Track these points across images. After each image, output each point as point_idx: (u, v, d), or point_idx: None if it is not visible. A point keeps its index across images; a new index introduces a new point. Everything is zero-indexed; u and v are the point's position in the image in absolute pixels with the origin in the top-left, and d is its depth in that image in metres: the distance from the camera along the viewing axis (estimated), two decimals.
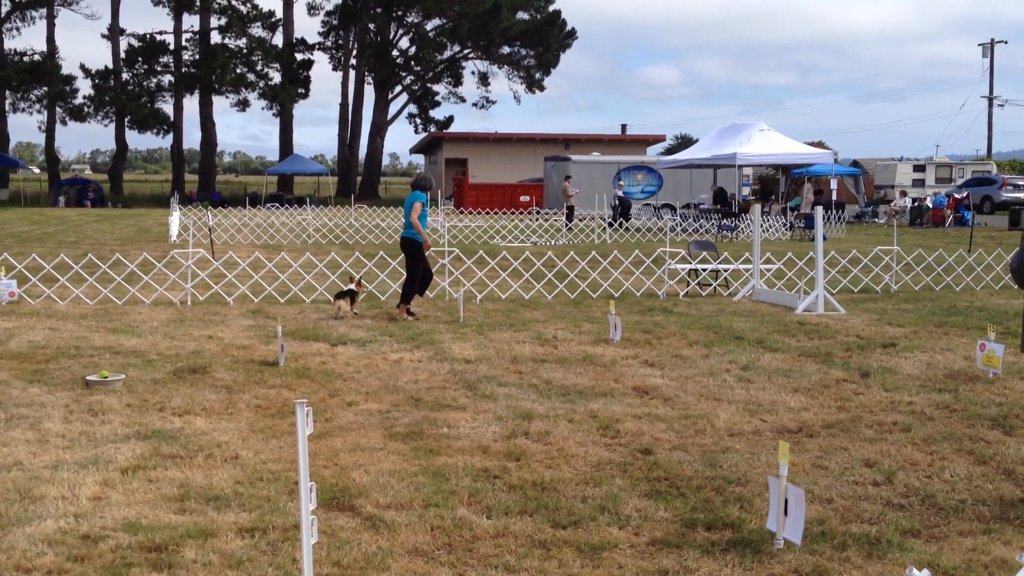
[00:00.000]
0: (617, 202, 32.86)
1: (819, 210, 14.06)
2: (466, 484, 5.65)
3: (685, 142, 74.92)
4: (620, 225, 29.56)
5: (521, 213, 37.38)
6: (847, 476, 5.86)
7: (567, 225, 31.11)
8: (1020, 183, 47.28)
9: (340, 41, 65.65)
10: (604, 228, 29.36)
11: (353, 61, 64.88)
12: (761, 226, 29.37)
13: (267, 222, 29.54)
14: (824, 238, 27.26)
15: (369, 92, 64.76)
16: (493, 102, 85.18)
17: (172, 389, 8.10)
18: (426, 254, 12.50)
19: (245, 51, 59.23)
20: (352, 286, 12.55)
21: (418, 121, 67.02)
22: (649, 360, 9.59)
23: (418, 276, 12.39)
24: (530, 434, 6.78)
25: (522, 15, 61.98)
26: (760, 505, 5.23)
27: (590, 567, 4.51)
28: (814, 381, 8.61)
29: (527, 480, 5.74)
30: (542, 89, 64.66)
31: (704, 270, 15.68)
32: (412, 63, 65.27)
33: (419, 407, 7.57)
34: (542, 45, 61.40)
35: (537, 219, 33.10)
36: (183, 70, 58.58)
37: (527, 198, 46.02)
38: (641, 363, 9.47)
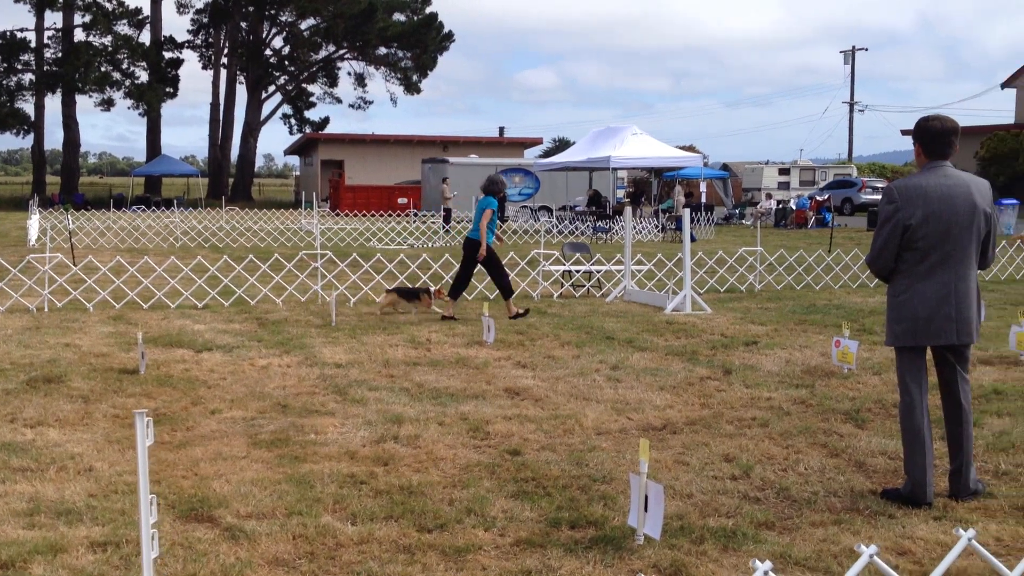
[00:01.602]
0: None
1: (686, 213, 14.40)
2: (331, 491, 5.57)
3: (562, 145, 75.80)
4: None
5: (399, 215, 37.18)
6: (707, 471, 6.02)
7: (445, 227, 31.10)
8: (878, 186, 49.46)
9: (210, 40, 64.06)
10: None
11: (224, 60, 63.42)
12: (634, 228, 30.00)
13: (132, 225, 28.63)
14: (693, 239, 28.03)
15: (241, 92, 63.48)
16: (370, 103, 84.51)
17: (25, 399, 7.75)
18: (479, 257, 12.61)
19: (110, 49, 57.14)
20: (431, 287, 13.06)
21: (293, 122, 66.00)
22: (521, 361, 9.65)
23: (470, 277, 12.89)
24: (399, 438, 6.74)
25: (399, 16, 61.67)
26: (624, 502, 5.32)
27: (454, 570, 4.50)
28: (679, 379, 8.81)
29: (394, 485, 5.70)
30: (419, 91, 64.49)
31: (578, 271, 15.88)
32: (286, 63, 64.21)
33: (286, 413, 7.44)
34: (419, 47, 61.21)
35: (415, 221, 33.00)
36: (45, 68, 56.17)
37: (404, 200, 45.84)
38: (514, 364, 9.52)
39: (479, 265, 12.71)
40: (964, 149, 54.48)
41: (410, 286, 13.65)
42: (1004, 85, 54.70)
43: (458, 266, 13.10)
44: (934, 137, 5.50)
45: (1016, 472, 5.99)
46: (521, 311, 12.76)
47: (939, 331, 5.42)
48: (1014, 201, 33.76)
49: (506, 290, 12.85)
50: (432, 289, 13.04)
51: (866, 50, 74.39)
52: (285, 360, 9.57)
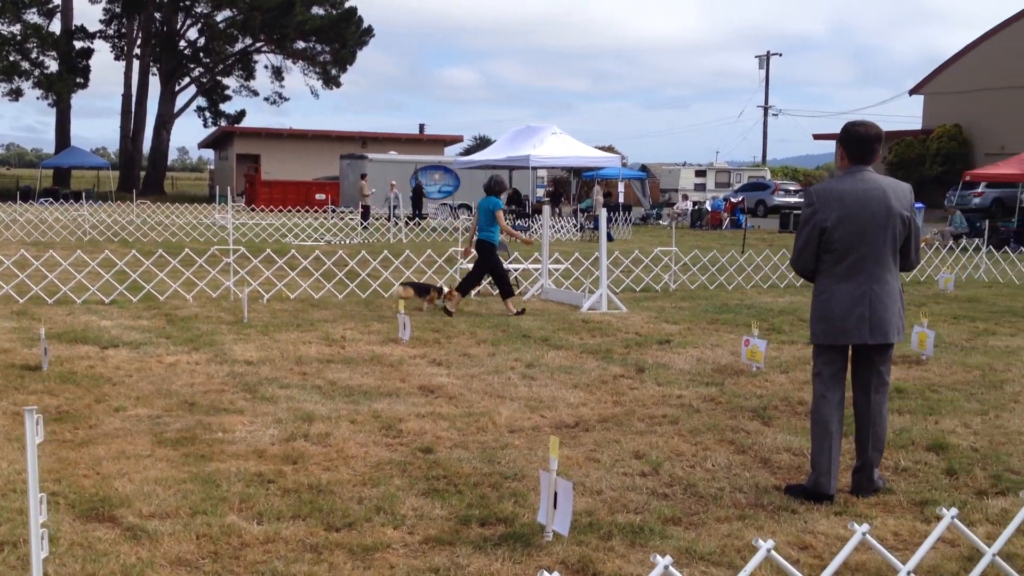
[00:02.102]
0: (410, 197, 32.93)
1: (603, 212, 14.51)
2: (238, 490, 5.48)
3: (483, 143, 75.93)
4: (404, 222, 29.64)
5: (316, 211, 36.78)
6: (617, 468, 6.07)
7: (363, 224, 30.86)
8: (791, 188, 50.59)
9: (123, 30, 62.52)
10: (400, 228, 29.28)
11: (137, 51, 61.93)
12: (552, 227, 30.15)
13: (39, 218, 27.78)
14: (611, 239, 28.32)
15: (155, 84, 62.08)
16: (287, 98, 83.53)
17: None
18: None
19: (19, 38, 55.40)
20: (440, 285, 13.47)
21: (207, 115, 64.81)
22: (437, 359, 9.62)
23: (483, 276, 13.17)
24: (310, 436, 6.66)
25: (317, 10, 60.96)
26: (534, 499, 5.33)
27: (361, 569, 4.46)
28: (593, 377, 8.88)
29: (303, 483, 5.62)
30: (339, 85, 63.90)
31: None
32: (201, 55, 63.02)
33: (193, 411, 7.29)
34: (338, 41, 60.65)
35: (332, 217, 32.67)
36: None
37: (323, 196, 45.38)
38: (429, 362, 9.49)
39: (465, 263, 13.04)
40: None
41: (419, 282, 14.16)
42: (912, 92, 56.30)
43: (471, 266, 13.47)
44: (857, 142, 5.61)
45: (915, 468, 6.16)
46: (517, 310, 12.97)
47: (853, 331, 5.54)
48: (920, 205, 34.81)
49: (506, 292, 13.06)
50: (445, 290, 13.21)
51: (780, 55, 76.03)
52: (194, 357, 9.38)
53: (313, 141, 60.38)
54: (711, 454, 6.44)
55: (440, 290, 13.24)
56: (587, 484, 5.71)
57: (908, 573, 2.95)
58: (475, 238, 13.24)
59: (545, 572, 2.50)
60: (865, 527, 2.90)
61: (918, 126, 55.52)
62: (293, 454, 6.22)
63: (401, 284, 13.66)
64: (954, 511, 3.07)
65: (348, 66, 63.20)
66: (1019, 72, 48.74)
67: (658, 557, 2.72)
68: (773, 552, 2.82)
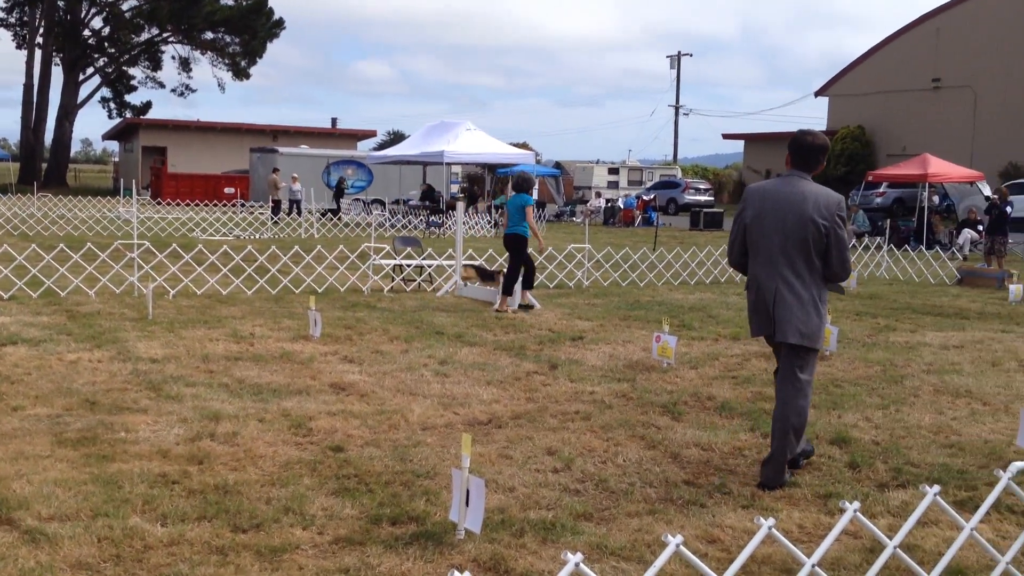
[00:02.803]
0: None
1: None
2: (141, 491, 5.33)
3: (397, 138, 75.37)
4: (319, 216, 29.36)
5: (225, 205, 36.10)
6: (530, 464, 6.07)
7: (273, 219, 30.40)
8: (701, 187, 51.40)
9: (25, 18, 60.45)
10: (312, 223, 28.91)
11: (40, 40, 59.93)
12: (466, 223, 30.11)
13: None
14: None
15: (58, 73, 60.17)
16: (195, 90, 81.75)
17: None
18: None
19: None
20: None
21: (112, 105, 63.12)
22: (348, 356, 9.51)
23: (520, 271, 13.36)
24: (216, 436, 6.51)
25: (226, 0, 59.81)
26: (446, 497, 5.30)
27: (269, 570, 4.38)
28: (507, 374, 8.87)
29: (209, 484, 5.50)
30: (248, 77, 62.79)
31: (409, 266, 15.81)
32: (106, 44, 61.32)
33: (95, 411, 7.07)
34: (248, 32, 59.58)
35: (241, 212, 32.10)
36: None
37: (232, 190, 44.55)
38: (340, 359, 9.37)
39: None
40: (779, 154, 57.30)
41: (488, 267, 14.64)
42: (818, 93, 57.73)
43: (506, 264, 13.70)
44: (799, 149, 5.82)
45: (819, 462, 6.30)
46: (525, 309, 13.27)
47: (765, 324, 5.77)
48: None
49: (508, 287, 13.28)
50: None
51: (691, 55, 77.23)
52: (96, 355, 9.10)
53: (222, 134, 59.26)
54: (622, 450, 6.49)
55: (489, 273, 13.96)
56: (500, 481, 5.71)
57: (812, 566, 3.00)
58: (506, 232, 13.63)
59: (456, 571, 2.47)
60: (771, 521, 2.94)
61: (823, 127, 56.94)
62: (199, 454, 6.08)
63: (464, 264, 13.98)
64: (856, 504, 3.14)
65: (258, 58, 62.18)
66: (919, 75, 50.37)
67: (568, 554, 2.72)
68: (682, 547, 2.84)
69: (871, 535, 3.63)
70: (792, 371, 5.79)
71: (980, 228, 21.72)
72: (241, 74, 62.55)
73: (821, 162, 5.82)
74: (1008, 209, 20.38)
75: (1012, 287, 15.45)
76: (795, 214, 5.61)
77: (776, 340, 5.74)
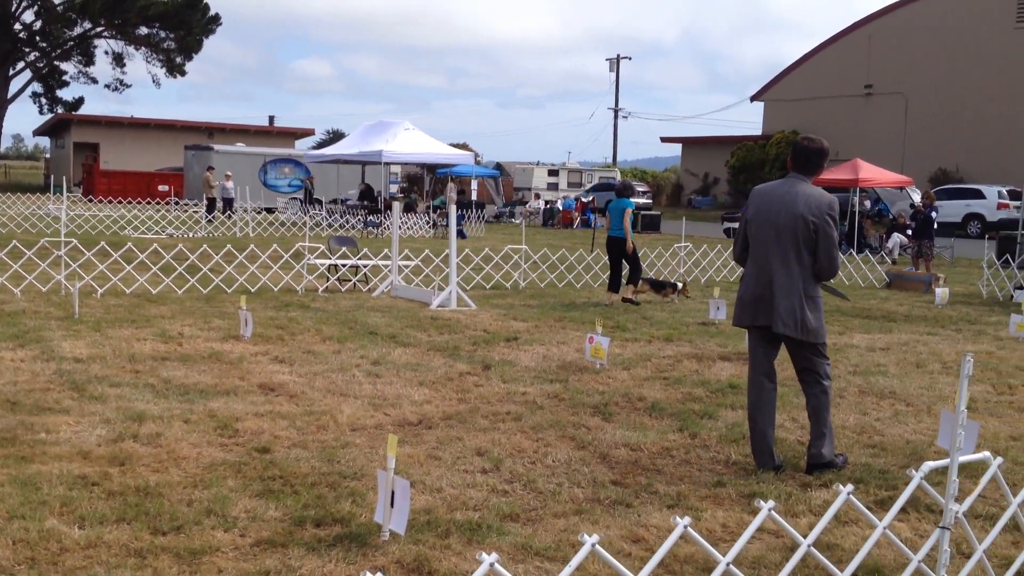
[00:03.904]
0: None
1: (452, 209, 14.51)
2: (59, 493, 5.20)
3: (336, 137, 74.74)
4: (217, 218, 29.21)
5: (159, 203, 35.53)
6: (459, 465, 6.05)
7: (208, 217, 29.97)
8: (639, 189, 51.78)
9: None
10: (247, 222, 28.56)
11: None
12: (404, 224, 29.99)
13: None
14: (463, 237, 28.37)
15: None
16: (129, 86, 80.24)
17: None
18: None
19: None
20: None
21: (43, 101, 61.64)
22: (279, 356, 9.40)
23: (639, 263, 14.86)
24: (139, 437, 6.39)
25: None
26: (373, 499, 5.25)
27: (188, 573, 4.30)
28: (439, 375, 8.84)
29: (129, 486, 5.39)
30: (183, 73, 61.80)
31: (344, 266, 15.69)
32: (37, 38, 59.86)
33: (15, 411, 6.90)
34: (183, 28, 58.63)
35: (175, 210, 31.60)
36: None
37: (166, 188, 43.84)
38: (271, 359, 9.26)
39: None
40: (717, 158, 58.11)
41: (658, 280, 15.76)
42: (754, 98, 58.59)
43: (609, 264, 15.02)
44: (798, 154, 6.27)
45: (744, 462, 6.38)
46: (635, 300, 14.51)
47: (752, 314, 6.15)
48: None
49: (633, 279, 14.73)
50: (679, 286, 15.09)
51: (630, 59, 77.76)
52: (19, 354, 8.88)
53: (156, 131, 58.35)
54: (552, 450, 6.50)
55: (675, 286, 14.95)
56: (427, 482, 5.68)
57: (727, 564, 3.03)
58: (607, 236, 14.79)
59: (369, 573, 2.45)
60: (687, 520, 2.96)
61: (759, 131, 57.80)
62: (120, 455, 5.95)
63: (642, 279, 14.92)
64: (771, 503, 3.17)
65: (194, 54, 61.21)
66: (852, 81, 51.36)
67: (483, 555, 2.71)
68: (598, 547, 2.84)
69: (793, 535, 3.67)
70: (813, 371, 6.22)
71: (909, 232, 22.17)
72: (176, 70, 61.55)
73: (820, 165, 6.28)
74: (933, 214, 20.84)
75: (939, 291, 15.81)
76: (788, 213, 6.02)
77: (777, 331, 6.07)
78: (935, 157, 46.69)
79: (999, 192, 36.57)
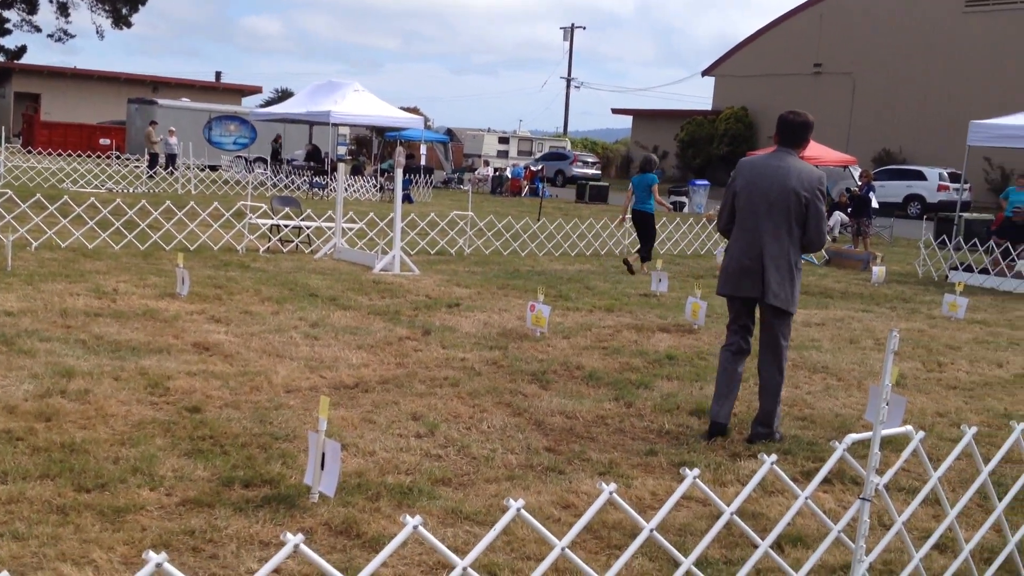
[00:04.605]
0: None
1: (399, 173, 14.37)
2: None
3: (285, 95, 73.60)
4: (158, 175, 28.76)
5: (100, 157, 34.80)
6: (393, 429, 6.04)
7: (149, 172, 29.42)
8: (589, 160, 51.90)
9: None
10: (189, 179, 28.08)
11: None
12: (351, 186, 29.71)
13: None
14: (410, 201, 28.20)
15: None
16: (73, 36, 78.18)
17: None
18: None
19: None
20: None
21: None
22: (216, 316, 9.28)
23: (654, 240, 15.25)
24: (67, 393, 6.27)
25: None
26: (304, 460, 5.22)
27: (110, 531, 4.24)
28: (379, 338, 8.79)
29: (55, 442, 5.29)
30: (129, 25, 60.23)
31: (286, 226, 15.50)
32: None
33: None
34: None
35: (116, 164, 30.98)
36: None
37: (107, 141, 42.93)
38: (207, 319, 9.14)
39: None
40: (666, 132, 58.34)
41: None
42: (705, 73, 58.81)
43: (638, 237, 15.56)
44: (784, 127, 6.33)
45: (677, 431, 6.44)
46: (647, 270, 14.75)
47: (741, 285, 6.23)
48: (705, 182, 36.44)
49: (647, 255, 15.18)
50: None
51: (584, 28, 77.51)
52: None
53: (100, 83, 57.04)
54: (488, 416, 6.50)
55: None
56: (360, 445, 5.65)
57: (650, 531, 3.05)
58: (631, 209, 15.24)
59: (289, 534, 2.42)
60: (613, 487, 2.97)
61: (708, 107, 58.09)
62: (47, 411, 5.84)
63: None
64: (696, 472, 3.20)
65: (140, 5, 59.73)
66: (801, 59, 51.77)
67: (407, 517, 2.69)
68: (523, 511, 2.84)
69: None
70: (776, 335, 6.29)
71: (849, 211, 22.49)
72: (122, 21, 60.02)
73: (806, 138, 6.33)
74: (871, 194, 21.15)
75: (876, 269, 16.07)
76: (778, 185, 6.12)
77: (764, 301, 6.17)
78: (880, 138, 47.35)
79: (940, 174, 37.18)
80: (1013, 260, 16.61)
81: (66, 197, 15.02)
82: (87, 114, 51.88)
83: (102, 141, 43.24)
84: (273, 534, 4.31)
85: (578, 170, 48.87)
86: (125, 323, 8.60)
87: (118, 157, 34.49)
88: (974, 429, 4.03)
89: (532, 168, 42.45)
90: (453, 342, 8.86)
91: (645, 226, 15.17)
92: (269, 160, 34.93)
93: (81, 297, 9.65)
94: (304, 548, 2.50)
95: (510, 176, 40.66)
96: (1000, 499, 4.28)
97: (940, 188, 36.62)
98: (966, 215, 23.38)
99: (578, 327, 9.99)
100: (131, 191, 24.73)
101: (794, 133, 6.31)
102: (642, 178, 15.14)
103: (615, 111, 66.70)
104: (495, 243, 17.29)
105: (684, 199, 34.49)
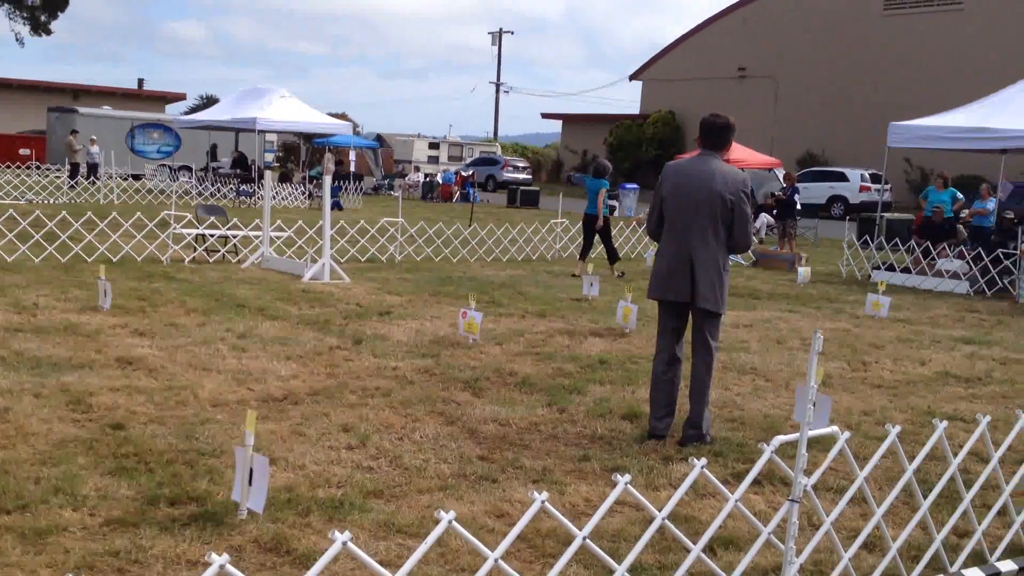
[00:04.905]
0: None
1: (327, 180, 14.23)
2: None
3: (210, 102, 72.46)
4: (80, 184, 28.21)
5: (19, 167, 33.92)
6: (323, 441, 5.95)
7: (71, 183, 28.74)
8: (519, 165, 52.02)
9: None
10: (112, 188, 27.49)
11: None
12: (279, 194, 29.36)
13: None
14: (340, 208, 27.96)
15: None
16: None
17: None
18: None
19: None
20: None
21: None
22: (139, 329, 9.08)
23: (591, 245, 15.73)
24: None
25: None
26: (231, 477, 5.11)
27: (32, 553, 4.11)
28: (308, 349, 8.68)
29: None
30: (49, 32, 58.82)
31: (212, 236, 15.25)
32: None
33: None
34: None
35: (35, 175, 30.22)
36: None
37: (27, 151, 41.81)
38: (130, 332, 8.94)
39: (596, 234, 15.58)
40: (596, 136, 58.73)
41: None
42: (632, 77, 59.36)
43: (581, 238, 16.18)
44: (706, 130, 6.42)
45: (610, 436, 6.46)
46: (619, 273, 15.66)
47: (672, 289, 6.29)
48: (635, 186, 36.77)
49: (612, 257, 15.92)
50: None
51: (512, 33, 77.81)
52: None
53: (18, 91, 55.51)
54: (420, 426, 6.46)
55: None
56: (290, 459, 5.56)
57: (583, 539, 3.05)
58: (585, 212, 15.77)
59: (214, 555, 2.36)
60: (544, 495, 2.96)
61: (636, 111, 58.65)
62: None
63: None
64: (627, 478, 3.20)
65: (60, 12, 58.38)
66: (725, 63, 52.56)
67: (336, 533, 2.65)
68: (455, 523, 2.82)
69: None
70: (704, 336, 6.37)
71: (775, 212, 22.87)
72: (41, 28, 58.54)
73: (728, 140, 6.43)
74: (796, 196, 21.55)
75: (801, 269, 16.36)
76: (703, 189, 6.20)
77: (694, 304, 6.24)
78: (803, 140, 48.24)
79: (862, 175, 38.00)
80: (933, 259, 17.05)
81: None
82: (6, 123, 50.45)
83: (21, 151, 42.04)
84: (200, 553, 4.21)
85: (509, 175, 48.95)
86: (46, 338, 8.37)
87: (38, 167, 33.65)
88: (898, 428, 4.10)
89: (463, 174, 42.37)
90: (384, 351, 8.78)
91: (596, 229, 15.53)
92: (207, 168, 34.30)
93: (0, 312, 9.38)
94: (230, 568, 2.44)
95: (441, 182, 40.55)
96: (925, 497, 4.37)
97: (862, 189, 37.43)
98: (887, 215, 23.93)
99: (510, 333, 9.98)
100: (52, 202, 24.13)
101: (716, 135, 6.40)
102: (593, 182, 15.62)
103: (544, 115, 66.96)
104: (426, 250, 17.23)
105: (615, 203, 34.73)
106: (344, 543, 2.65)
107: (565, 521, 3.19)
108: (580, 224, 16.44)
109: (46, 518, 4.49)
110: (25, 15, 58.12)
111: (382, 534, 4.58)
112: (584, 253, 15.71)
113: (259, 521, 4.56)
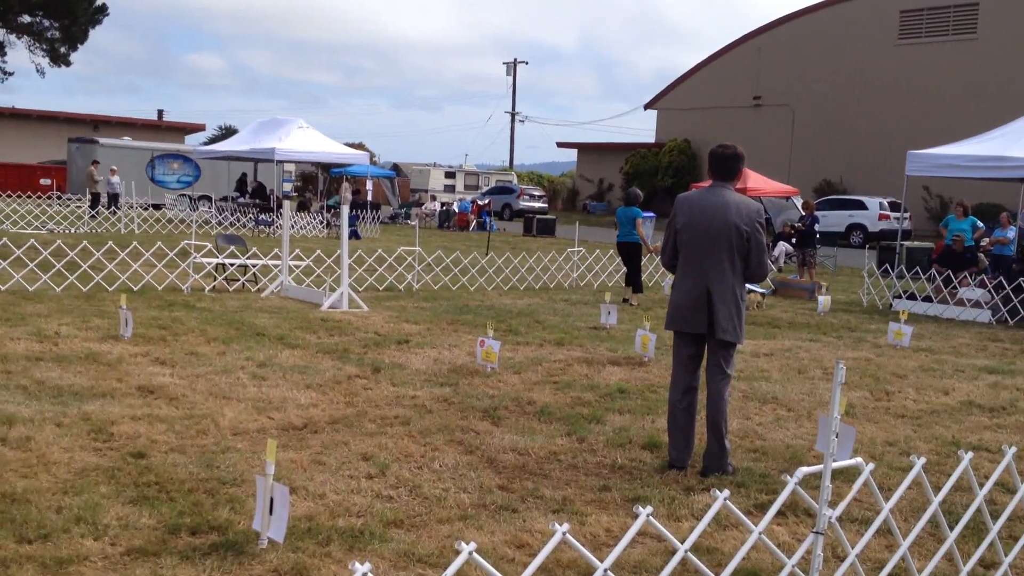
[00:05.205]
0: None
1: (344, 209, 14.31)
2: None
3: (228, 133, 73.14)
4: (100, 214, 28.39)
5: (40, 197, 34.23)
6: (343, 471, 5.95)
7: (91, 212, 28.99)
8: (535, 194, 52.16)
9: None
10: (132, 218, 27.71)
11: None
12: (297, 223, 29.52)
13: None
14: (358, 237, 28.08)
15: None
16: (10, 74, 76.99)
17: None
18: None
19: None
20: None
21: None
22: (160, 358, 9.12)
23: (640, 270, 15.97)
24: (8, 440, 6.11)
25: None
26: (252, 506, 5.11)
27: None
28: (327, 377, 8.70)
29: None
30: (68, 64, 59.47)
31: (232, 265, 15.33)
32: None
33: None
34: (68, 17, 56.49)
35: (57, 204, 30.49)
36: None
37: (48, 181, 42.27)
38: (151, 361, 8.98)
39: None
40: (611, 164, 58.89)
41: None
42: (647, 106, 59.54)
43: (625, 268, 16.28)
44: (716, 161, 6.42)
45: (630, 466, 6.43)
46: (631, 301, 15.70)
47: (690, 321, 6.27)
48: (652, 214, 36.76)
49: (637, 288, 15.93)
50: None
51: (527, 63, 78.27)
52: None
53: (39, 122, 56.25)
54: (439, 455, 6.44)
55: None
56: (310, 488, 5.56)
57: (605, 570, 3.03)
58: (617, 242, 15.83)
59: None
60: (565, 527, 2.95)
61: (652, 139, 58.79)
62: None
63: (749, 288, 15.80)
64: (649, 509, 3.19)
65: (79, 44, 58.99)
66: (741, 92, 52.67)
67: (357, 564, 2.64)
68: (475, 554, 2.80)
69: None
70: (720, 365, 6.34)
71: (793, 241, 22.80)
72: (60, 60, 59.23)
73: (738, 169, 6.42)
74: (815, 225, 21.49)
75: (821, 298, 16.28)
76: (720, 221, 6.19)
77: (712, 335, 6.23)
78: (820, 168, 48.20)
79: (880, 203, 37.89)
80: (955, 287, 16.95)
81: (5, 239, 14.72)
82: (27, 154, 51.11)
83: (43, 181, 42.59)
84: None
85: (525, 203, 49.08)
86: (67, 367, 8.41)
87: (59, 197, 33.97)
88: (923, 459, 4.07)
89: (479, 202, 42.52)
90: (403, 380, 8.79)
91: (631, 257, 15.73)
92: (234, 198, 34.55)
93: (22, 341, 9.43)
94: None
95: (457, 210, 40.70)
96: (951, 528, 4.32)
97: (881, 217, 37.32)
98: (907, 243, 23.83)
99: (529, 362, 9.97)
100: (72, 231, 24.32)
101: (725, 166, 6.40)
102: (626, 211, 15.71)
103: (560, 144, 67.17)
104: (443, 278, 17.26)
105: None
106: (365, 574, 2.64)
107: (586, 552, 3.17)
108: (609, 254, 16.70)
109: (67, 547, 4.49)
110: (45, 47, 58.85)
111: (402, 564, 4.56)
112: (630, 279, 15.98)
113: (279, 551, 4.55)
